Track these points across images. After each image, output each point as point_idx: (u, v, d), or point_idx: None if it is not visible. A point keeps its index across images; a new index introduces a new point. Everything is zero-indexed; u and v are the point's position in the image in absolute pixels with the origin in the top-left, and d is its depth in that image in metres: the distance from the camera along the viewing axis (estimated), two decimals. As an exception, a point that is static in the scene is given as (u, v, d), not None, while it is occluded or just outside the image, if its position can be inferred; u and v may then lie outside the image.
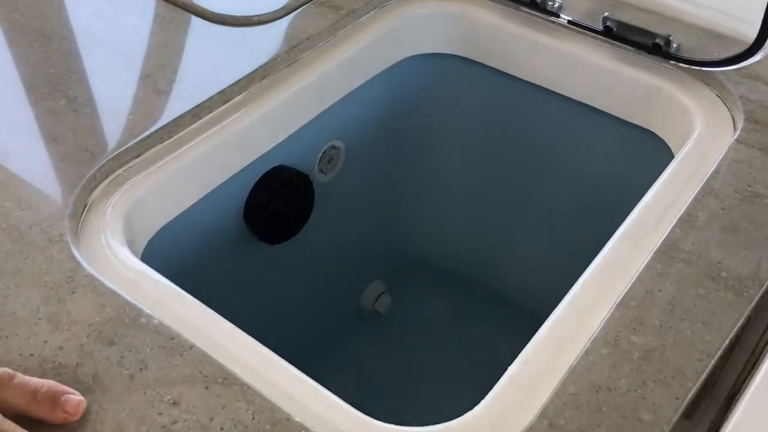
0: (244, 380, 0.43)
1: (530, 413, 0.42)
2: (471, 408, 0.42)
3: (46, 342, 0.45)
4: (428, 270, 0.99)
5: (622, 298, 0.47)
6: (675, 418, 0.41)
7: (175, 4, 0.71)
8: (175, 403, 0.42)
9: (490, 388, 0.43)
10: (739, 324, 0.46)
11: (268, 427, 0.41)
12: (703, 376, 0.43)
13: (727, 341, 0.45)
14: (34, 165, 0.57)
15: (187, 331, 0.46)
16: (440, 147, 0.87)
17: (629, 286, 0.48)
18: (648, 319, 0.46)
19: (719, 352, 0.44)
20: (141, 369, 0.43)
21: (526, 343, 0.46)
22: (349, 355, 0.94)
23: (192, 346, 0.45)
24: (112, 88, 0.64)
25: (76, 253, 0.50)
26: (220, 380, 0.43)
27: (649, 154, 0.69)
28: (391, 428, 0.42)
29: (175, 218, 0.61)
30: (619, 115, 0.71)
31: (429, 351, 0.96)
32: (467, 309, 0.98)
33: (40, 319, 0.46)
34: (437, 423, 0.42)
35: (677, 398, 0.42)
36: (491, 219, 0.92)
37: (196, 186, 0.62)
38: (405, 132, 0.85)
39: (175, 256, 0.62)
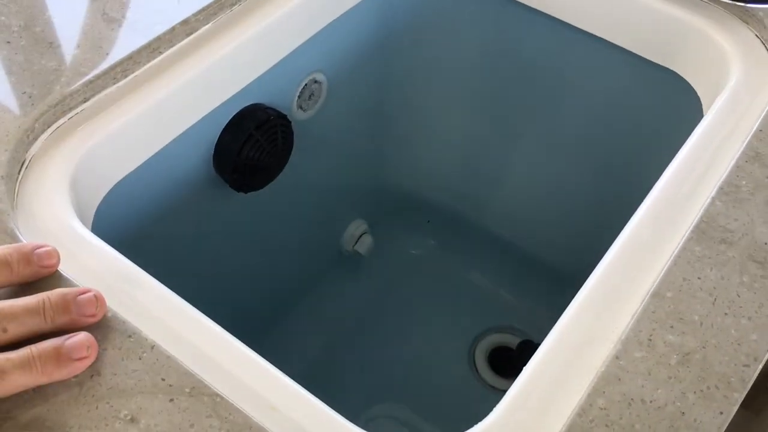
0: (215, 389, 0.36)
1: (555, 430, 0.36)
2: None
3: (-25, 340, 0.37)
4: (413, 208, 0.92)
5: (655, 288, 0.41)
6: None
7: None
8: (133, 420, 0.35)
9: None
10: (789, 319, 0.40)
11: (245, 449, 0.34)
12: (749, 384, 0.38)
13: (776, 341, 0.39)
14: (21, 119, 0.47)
15: (147, 326, 0.38)
16: (431, 78, 0.78)
17: (663, 272, 0.42)
18: (687, 313, 0.40)
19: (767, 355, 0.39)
20: (91, 376, 0.36)
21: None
22: (330, 298, 0.89)
23: (153, 346, 0.38)
24: (54, 15, 0.54)
25: (11, 223, 0.42)
26: (187, 390, 0.36)
27: (672, 100, 0.61)
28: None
29: (133, 171, 0.53)
30: (638, 53, 0.63)
31: (413, 289, 0.91)
32: (453, 246, 0.92)
33: (-32, 310, 0.38)
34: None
35: (721, 413, 0.36)
36: (483, 154, 0.84)
37: (156, 133, 0.54)
38: (394, 63, 0.76)
39: (135, 215, 0.54)
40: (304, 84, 0.68)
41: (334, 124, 0.75)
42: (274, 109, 0.64)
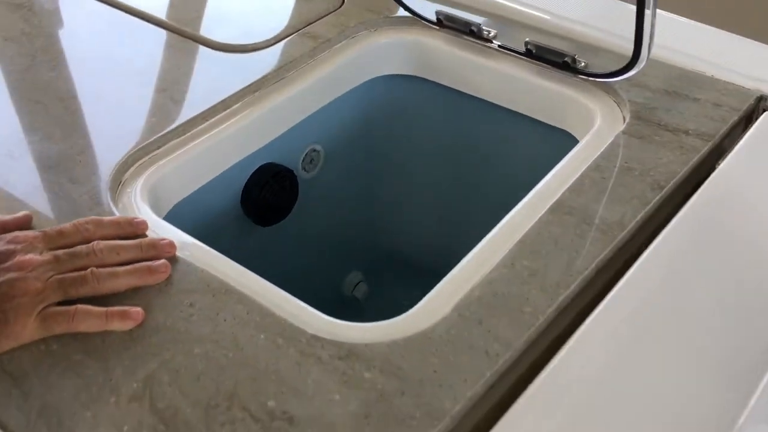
0: (241, 291, 0.60)
1: (447, 309, 0.58)
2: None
3: (97, 269, 0.61)
4: (401, 261, 1.16)
5: (521, 238, 0.64)
6: (549, 311, 0.58)
7: (184, 36, 0.90)
8: (191, 305, 0.58)
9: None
10: (603, 254, 0.63)
11: (258, 318, 0.57)
12: (573, 286, 0.60)
13: (593, 264, 0.62)
14: (83, 152, 0.74)
15: (200, 262, 0.62)
16: (404, 152, 1.05)
17: (527, 230, 0.65)
18: (537, 249, 0.63)
19: (586, 272, 0.61)
20: (166, 284, 0.60)
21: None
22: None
23: (203, 270, 0.61)
24: (137, 99, 0.82)
25: (116, 212, 0.67)
26: (223, 291, 0.60)
27: (563, 148, 0.86)
28: (349, 325, 0.58)
29: (186, 197, 0.78)
30: (541, 119, 0.89)
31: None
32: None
33: (91, 255, 0.62)
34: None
35: (551, 299, 0.59)
36: (451, 214, 1.09)
37: (202, 173, 0.80)
38: (375, 139, 1.03)
39: (186, 231, 0.79)
40: (306, 152, 0.94)
41: (332, 185, 1.01)
42: (284, 166, 0.90)
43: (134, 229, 0.63)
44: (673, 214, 0.68)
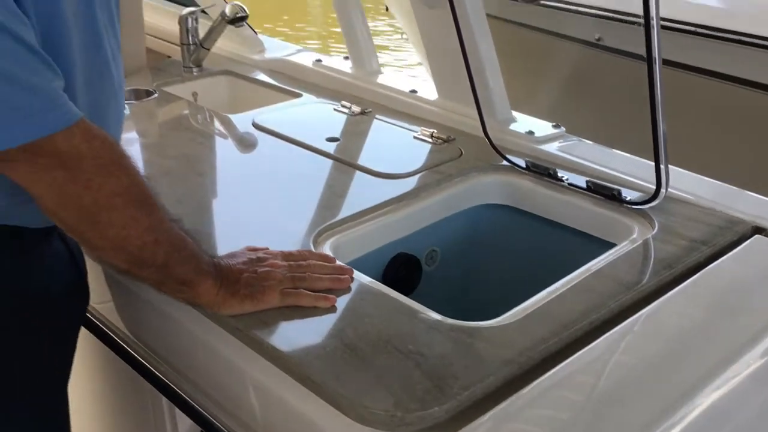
0: (389, 295, 0.98)
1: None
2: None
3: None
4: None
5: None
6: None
7: (348, 164, 1.35)
8: (362, 299, 0.97)
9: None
10: (646, 284, 0.97)
11: (397, 306, 0.95)
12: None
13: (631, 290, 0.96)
14: (296, 221, 1.16)
15: (363, 279, 1.01)
16: (495, 256, 1.43)
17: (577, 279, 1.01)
18: (590, 286, 0.99)
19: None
20: (347, 289, 0.99)
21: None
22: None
23: (365, 284, 1.00)
24: (321, 200, 1.26)
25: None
26: (378, 294, 0.98)
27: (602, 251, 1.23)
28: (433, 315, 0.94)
29: (351, 260, 1.18)
30: (595, 234, 1.26)
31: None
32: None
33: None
34: None
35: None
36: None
37: (361, 248, 1.20)
38: (476, 247, 1.42)
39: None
40: (428, 251, 1.34)
41: (446, 279, 1.39)
42: (414, 255, 1.29)
43: (335, 265, 1.02)
44: (678, 283, 1.03)
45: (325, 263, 1.01)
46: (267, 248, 1.02)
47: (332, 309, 0.95)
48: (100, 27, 0.91)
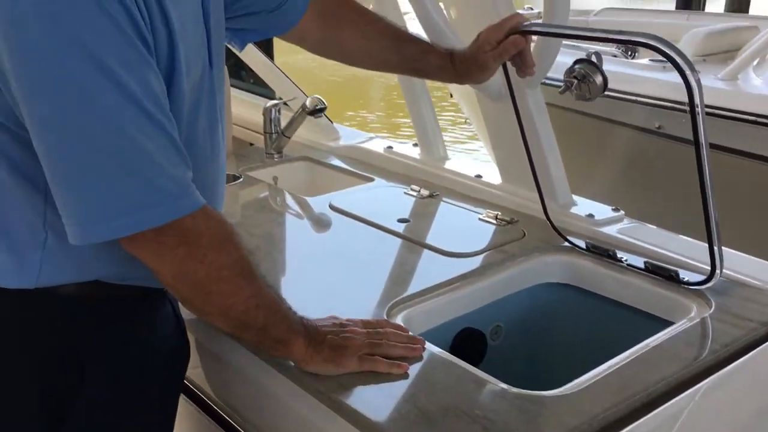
0: (456, 363, 1.05)
1: (579, 384, 1.00)
2: None
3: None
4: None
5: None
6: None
7: (417, 244, 1.45)
8: (433, 368, 1.05)
9: None
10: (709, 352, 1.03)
11: (464, 374, 1.02)
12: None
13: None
14: (386, 301, 1.26)
15: (433, 349, 1.10)
16: (557, 331, 1.49)
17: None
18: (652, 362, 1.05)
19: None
20: (419, 359, 1.07)
21: None
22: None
23: (435, 354, 1.08)
24: (392, 276, 1.35)
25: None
26: (446, 363, 1.06)
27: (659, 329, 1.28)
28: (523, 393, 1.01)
29: (422, 332, 1.27)
30: (655, 313, 1.31)
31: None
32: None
33: (377, 342, 1.12)
34: None
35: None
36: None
37: (431, 321, 1.29)
38: (539, 323, 1.48)
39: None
40: (492, 326, 1.42)
41: (510, 353, 1.46)
42: (479, 330, 1.37)
43: (408, 335, 1.11)
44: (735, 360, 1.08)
45: (400, 332, 1.10)
46: (349, 318, 1.12)
47: (405, 375, 1.04)
48: (218, 112, 1.06)
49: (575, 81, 1.22)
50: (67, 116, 0.83)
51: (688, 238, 1.44)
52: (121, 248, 0.92)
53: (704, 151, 1.10)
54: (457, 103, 3.63)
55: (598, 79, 1.21)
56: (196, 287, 0.94)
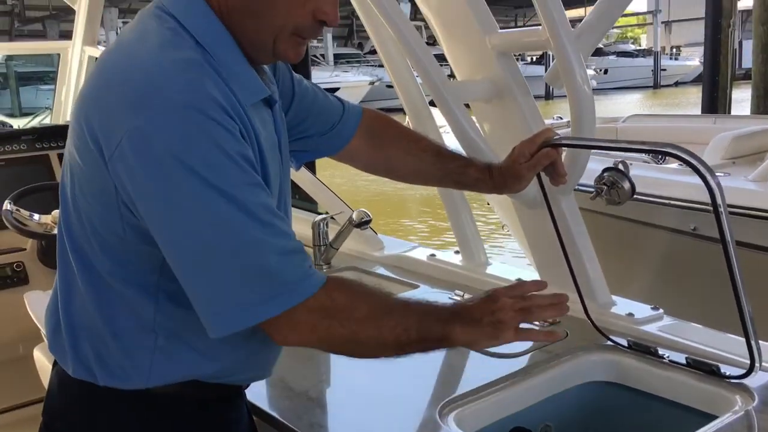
0: None
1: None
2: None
3: None
4: None
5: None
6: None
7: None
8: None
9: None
10: None
11: None
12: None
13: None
14: (437, 402, 1.32)
15: None
16: (605, 429, 1.51)
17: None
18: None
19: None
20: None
21: None
22: None
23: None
24: (441, 376, 1.41)
25: (441, 425, 1.23)
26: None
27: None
28: None
29: (479, 428, 1.31)
30: (698, 407, 1.34)
31: None
32: None
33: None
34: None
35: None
36: None
37: (483, 420, 1.33)
38: (587, 421, 1.51)
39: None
40: (541, 426, 1.45)
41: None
42: (529, 430, 1.41)
43: (552, 295, 1.12)
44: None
45: (543, 294, 1.12)
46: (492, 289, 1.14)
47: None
48: (288, 195, 1.20)
49: (605, 187, 1.32)
50: (202, 239, 0.97)
51: (728, 334, 1.49)
52: (226, 344, 1.03)
53: (731, 248, 1.16)
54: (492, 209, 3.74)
55: (626, 185, 1.30)
56: (346, 344, 1.04)
